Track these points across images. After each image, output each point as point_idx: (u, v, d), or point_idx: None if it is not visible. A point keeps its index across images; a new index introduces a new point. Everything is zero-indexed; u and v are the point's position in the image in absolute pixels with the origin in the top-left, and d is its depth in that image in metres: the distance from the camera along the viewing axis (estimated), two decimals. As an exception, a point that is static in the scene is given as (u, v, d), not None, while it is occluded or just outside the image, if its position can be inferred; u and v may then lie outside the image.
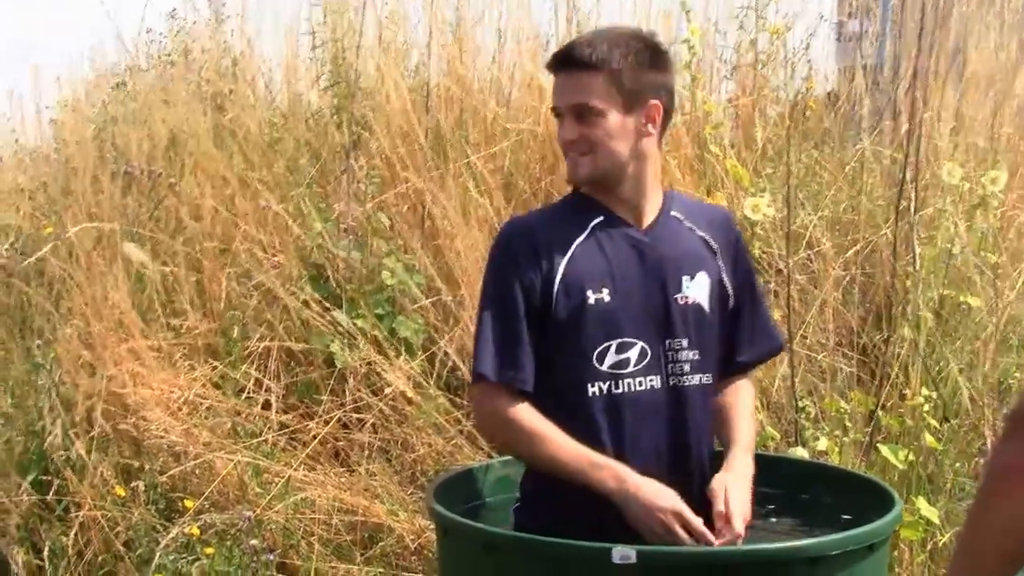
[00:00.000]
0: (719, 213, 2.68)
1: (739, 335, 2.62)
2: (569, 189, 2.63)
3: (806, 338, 4.76)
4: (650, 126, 2.49)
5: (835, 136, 5.88)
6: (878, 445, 4.07)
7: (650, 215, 2.53)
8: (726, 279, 2.57)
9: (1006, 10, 6.47)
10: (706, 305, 2.52)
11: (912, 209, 4.92)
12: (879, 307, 4.93)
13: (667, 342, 2.46)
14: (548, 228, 2.51)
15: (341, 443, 4.48)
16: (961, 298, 4.75)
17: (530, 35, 5.50)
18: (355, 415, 4.53)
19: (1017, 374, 4.75)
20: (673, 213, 2.55)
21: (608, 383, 2.43)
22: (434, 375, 4.54)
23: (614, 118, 2.45)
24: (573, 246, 2.46)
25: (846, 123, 5.92)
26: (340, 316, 4.61)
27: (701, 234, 2.56)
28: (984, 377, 4.68)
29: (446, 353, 4.54)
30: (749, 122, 5.65)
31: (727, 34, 5.94)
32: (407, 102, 5.01)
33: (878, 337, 4.75)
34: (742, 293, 2.61)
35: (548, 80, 4.59)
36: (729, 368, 2.62)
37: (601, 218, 2.50)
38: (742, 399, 2.62)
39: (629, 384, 2.44)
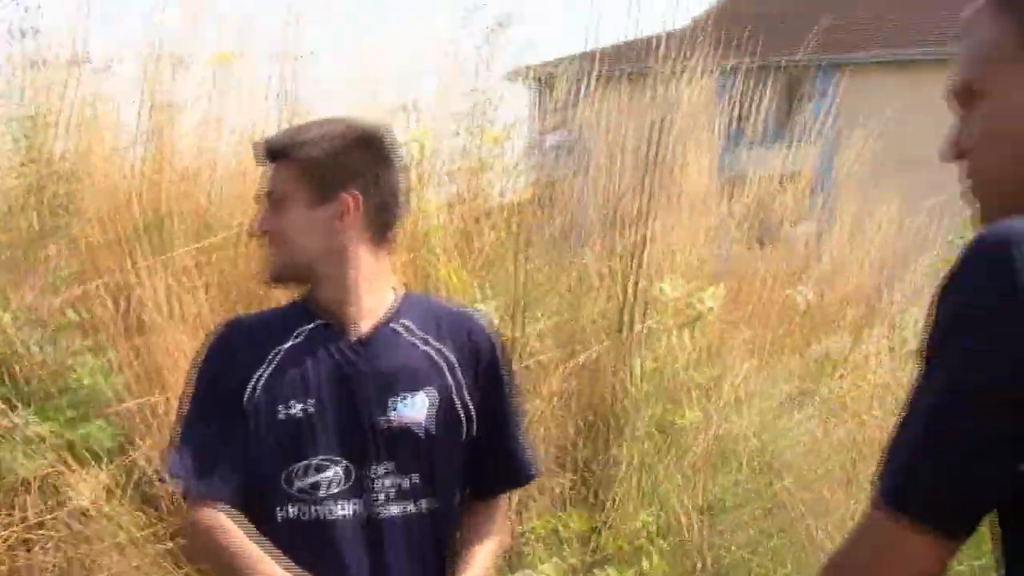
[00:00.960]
0: (468, 323, 2.44)
1: (484, 458, 2.41)
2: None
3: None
4: (342, 221, 2.32)
5: (555, 246, 5.91)
6: (599, 567, 4.03)
7: (367, 324, 2.33)
8: (465, 397, 2.36)
9: (718, 131, 6.76)
10: (424, 427, 2.31)
11: (631, 324, 4.99)
12: (597, 422, 4.93)
13: (370, 467, 2.28)
14: (259, 332, 2.36)
15: (18, 564, 4.07)
16: (674, 417, 4.82)
17: (247, 125, 5.30)
18: (34, 533, 4.13)
19: (734, 491, 4.83)
20: (402, 322, 2.35)
21: (298, 507, 2.25)
22: (128, 486, 4.20)
23: (300, 210, 2.31)
24: (277, 354, 2.29)
25: (565, 233, 5.97)
26: (21, 418, 4.21)
27: (435, 347, 2.36)
28: (697, 496, 4.74)
29: (147, 460, 4.22)
30: (469, 227, 5.62)
31: (450, 138, 5.92)
32: (114, 187, 4.71)
33: (598, 457, 4.74)
34: (488, 411, 2.40)
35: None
36: (473, 494, 2.44)
37: (312, 325, 2.32)
38: (480, 530, 2.44)
39: (320, 511, 2.25)
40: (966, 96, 1.46)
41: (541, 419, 4.77)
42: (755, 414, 5.15)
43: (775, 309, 5.90)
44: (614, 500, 4.44)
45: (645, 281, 5.22)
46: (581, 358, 5.09)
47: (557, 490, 4.61)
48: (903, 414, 1.33)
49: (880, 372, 5.65)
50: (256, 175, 4.93)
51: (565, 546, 4.10)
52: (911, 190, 6.98)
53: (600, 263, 5.57)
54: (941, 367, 1.30)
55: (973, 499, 1.30)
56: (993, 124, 1.42)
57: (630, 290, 5.16)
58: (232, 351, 2.32)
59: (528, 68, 7.13)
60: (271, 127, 5.38)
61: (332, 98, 5.47)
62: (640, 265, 5.22)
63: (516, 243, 5.50)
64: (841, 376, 5.63)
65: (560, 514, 4.43)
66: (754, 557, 4.71)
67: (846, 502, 5.03)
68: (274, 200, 2.33)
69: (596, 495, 4.58)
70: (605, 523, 4.33)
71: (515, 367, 4.73)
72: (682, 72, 6.22)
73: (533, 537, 4.13)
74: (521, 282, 5.30)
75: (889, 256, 6.69)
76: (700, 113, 6.48)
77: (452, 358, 2.36)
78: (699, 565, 4.50)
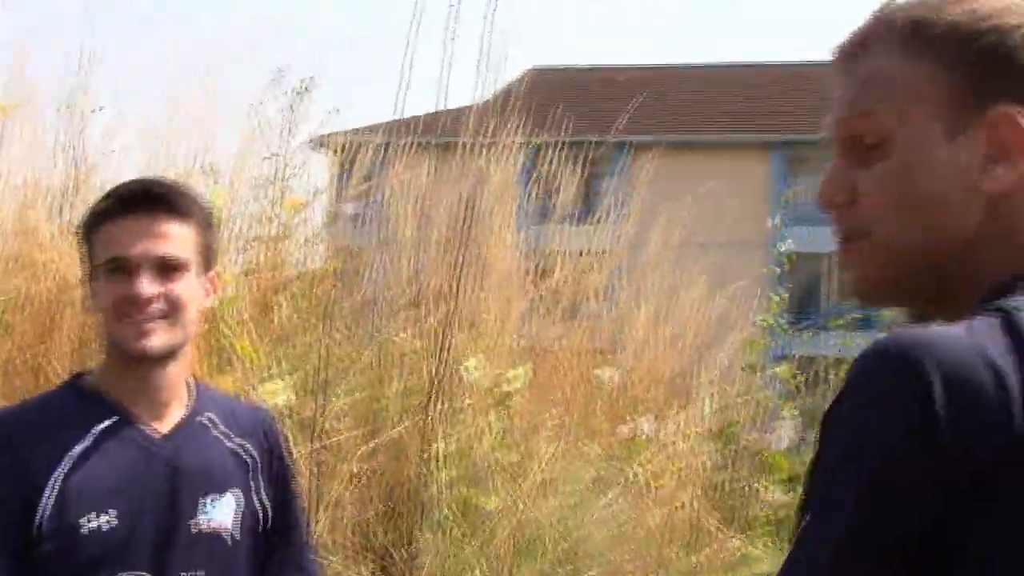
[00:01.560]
0: (260, 418, 2.32)
1: (269, 562, 2.25)
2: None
3: (317, 539, 4.50)
4: (207, 298, 2.17)
5: (357, 320, 5.77)
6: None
7: (175, 416, 2.14)
8: (262, 498, 2.22)
9: (526, 207, 6.75)
10: (232, 531, 2.15)
11: (436, 403, 4.88)
12: (399, 506, 4.79)
13: None
14: (40, 428, 2.07)
15: None
16: (479, 501, 4.73)
17: (30, 180, 5.02)
18: None
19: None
20: (206, 416, 2.18)
21: None
22: None
23: (194, 279, 2.11)
24: (71, 456, 2.04)
25: (368, 307, 5.84)
26: None
27: (236, 443, 2.20)
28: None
29: None
30: (267, 298, 5.44)
31: (248, 203, 5.76)
32: None
33: (400, 543, 4.59)
34: (277, 513, 2.25)
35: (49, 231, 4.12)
36: None
37: (111, 420, 2.08)
38: None
39: None
40: (864, 143, 1.26)
41: (339, 502, 4.60)
42: (561, 498, 5.09)
43: (581, 389, 5.88)
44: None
45: (451, 359, 5.13)
46: (382, 438, 4.95)
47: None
48: (787, 565, 1.13)
49: (687, 455, 5.68)
50: (40, 236, 4.70)
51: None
52: (718, 271, 7.11)
53: (405, 339, 5.45)
54: (831, 517, 1.10)
55: None
56: (905, 186, 1.24)
57: (435, 368, 5.06)
58: (7, 457, 2.03)
59: (332, 135, 7.02)
60: (54, 184, 5.13)
61: (121, 154, 5.25)
62: (446, 342, 5.12)
63: (316, 316, 5.36)
64: (647, 459, 5.62)
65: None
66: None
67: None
68: (173, 264, 2.07)
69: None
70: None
71: (313, 447, 4.60)
72: (490, 146, 6.21)
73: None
74: (321, 357, 5.14)
75: (695, 337, 6.77)
76: (507, 188, 6.46)
77: (250, 457, 2.21)
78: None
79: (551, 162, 6.83)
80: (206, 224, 2.15)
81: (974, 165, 1.22)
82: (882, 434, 1.08)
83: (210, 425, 2.18)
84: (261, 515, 2.21)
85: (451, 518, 4.59)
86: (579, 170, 7.02)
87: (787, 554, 1.14)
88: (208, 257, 2.15)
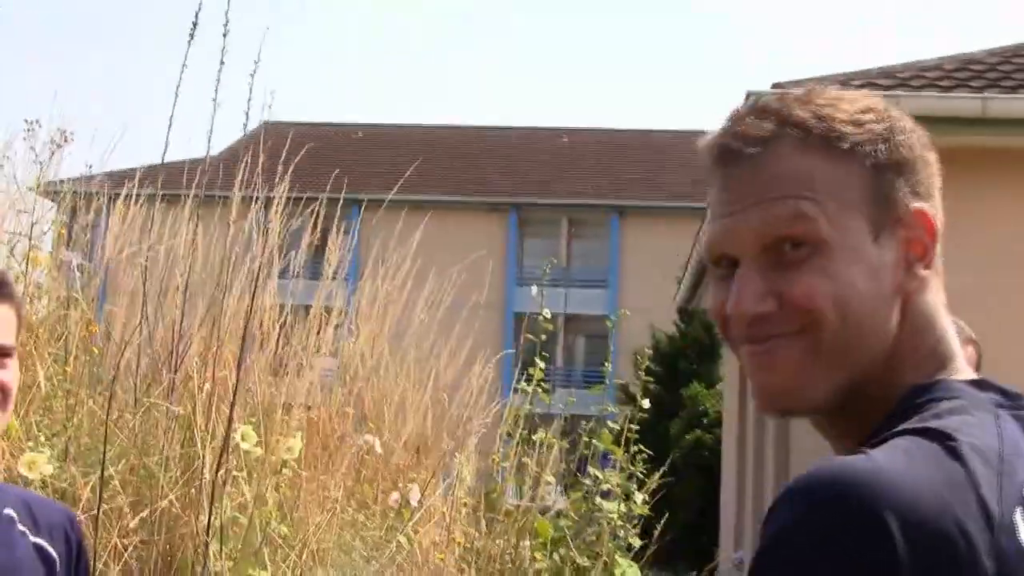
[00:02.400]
0: (61, 514, 2.28)
1: None
2: None
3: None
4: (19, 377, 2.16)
5: (118, 384, 5.63)
6: None
7: None
8: None
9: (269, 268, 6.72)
10: None
11: (209, 474, 4.83)
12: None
13: None
14: None
15: None
16: (252, 573, 4.71)
17: None
18: None
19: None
20: (8, 511, 2.14)
21: None
22: None
23: (16, 361, 2.08)
24: None
25: (131, 371, 5.70)
26: None
27: (38, 540, 2.17)
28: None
29: None
30: (22, 361, 5.26)
31: (-2, 261, 5.58)
32: None
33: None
34: None
35: None
36: None
37: None
38: None
39: None
40: (786, 246, 1.21)
41: (108, 580, 4.49)
42: (333, 570, 5.11)
43: (348, 457, 5.90)
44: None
45: (222, 427, 5.08)
46: (152, 509, 4.85)
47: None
48: None
49: (454, 522, 5.79)
50: None
51: None
52: (469, 333, 7.25)
53: (171, 406, 5.36)
54: None
55: None
56: (847, 283, 1.20)
57: (206, 437, 5.00)
58: None
59: (69, 181, 6.83)
60: None
61: None
62: (217, 410, 5.07)
63: (76, 381, 5.24)
64: (416, 528, 5.69)
65: None
66: None
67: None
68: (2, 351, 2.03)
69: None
70: None
71: (79, 518, 4.47)
72: (248, 201, 6.22)
73: None
74: (81, 424, 5.03)
75: (456, 403, 6.87)
76: (265, 246, 6.43)
77: (53, 554, 2.18)
78: None
79: (285, 217, 6.77)
80: (20, 304, 2.12)
81: (899, 264, 1.23)
82: None
83: (15, 519, 2.14)
84: None
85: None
86: (314, 226, 7.04)
87: None
88: (18, 336, 2.12)
